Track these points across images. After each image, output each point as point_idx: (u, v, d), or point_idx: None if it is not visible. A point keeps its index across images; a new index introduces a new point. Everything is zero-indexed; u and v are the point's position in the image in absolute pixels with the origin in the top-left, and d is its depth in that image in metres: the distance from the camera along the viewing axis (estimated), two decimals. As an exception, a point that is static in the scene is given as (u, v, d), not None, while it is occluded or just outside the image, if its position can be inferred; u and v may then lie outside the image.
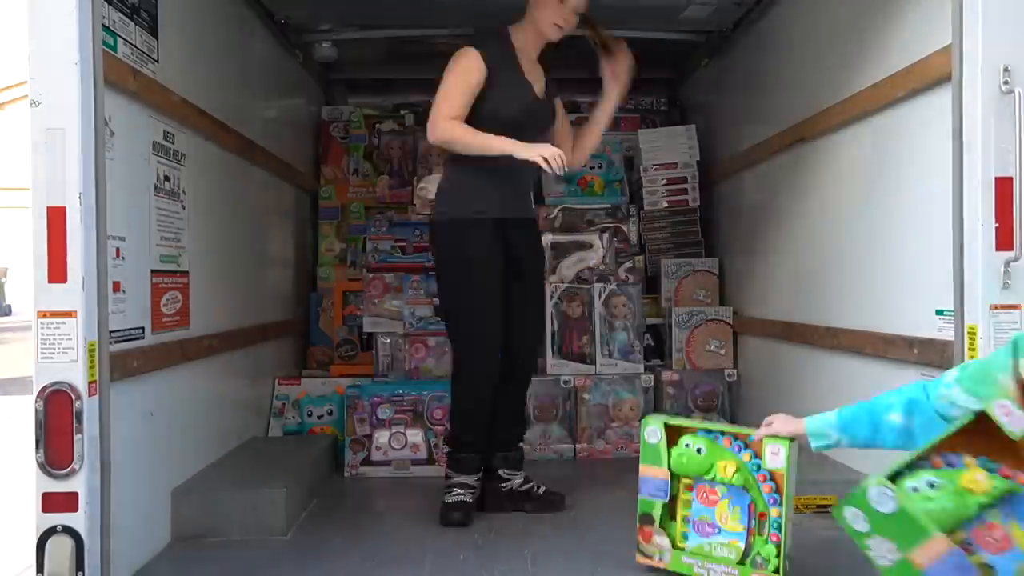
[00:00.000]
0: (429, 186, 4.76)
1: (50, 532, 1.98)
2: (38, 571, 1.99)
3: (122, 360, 2.31)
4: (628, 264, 4.54)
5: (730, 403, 4.14)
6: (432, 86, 5.81)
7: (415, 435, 3.76)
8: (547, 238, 4.55)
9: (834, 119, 3.08)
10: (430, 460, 3.74)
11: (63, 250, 1.99)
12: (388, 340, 4.26)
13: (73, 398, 1.98)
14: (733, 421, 4.10)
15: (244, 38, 3.72)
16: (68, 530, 1.98)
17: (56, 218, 1.99)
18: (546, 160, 2.79)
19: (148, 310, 2.58)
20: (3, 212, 20.57)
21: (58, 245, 1.99)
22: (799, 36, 3.53)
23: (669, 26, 4.32)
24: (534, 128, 3.04)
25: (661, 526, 2.39)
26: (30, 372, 2.01)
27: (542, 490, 3.12)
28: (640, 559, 2.43)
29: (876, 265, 2.83)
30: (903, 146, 2.65)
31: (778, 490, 2.25)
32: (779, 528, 2.24)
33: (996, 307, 2.06)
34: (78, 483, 1.99)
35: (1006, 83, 2.05)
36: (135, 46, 2.52)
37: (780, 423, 2.21)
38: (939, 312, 2.38)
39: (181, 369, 2.79)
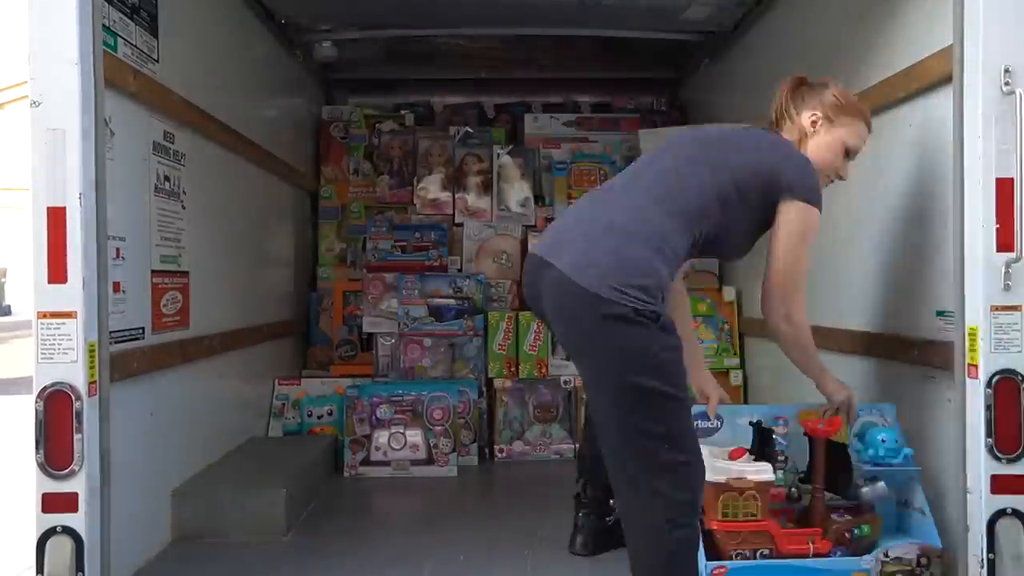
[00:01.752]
0: (429, 186, 4.77)
1: (50, 533, 1.98)
2: (38, 571, 1.99)
3: (122, 360, 2.31)
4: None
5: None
6: (432, 86, 5.79)
7: (415, 435, 3.76)
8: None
9: (834, 119, 3.07)
10: (429, 460, 3.74)
11: (63, 250, 1.99)
12: (388, 340, 4.26)
13: (73, 398, 1.98)
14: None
15: (244, 38, 3.72)
16: (68, 531, 1.97)
17: (56, 218, 1.99)
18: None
19: (148, 310, 2.58)
20: (3, 212, 20.56)
21: (58, 245, 1.99)
22: (799, 36, 3.52)
23: (669, 26, 4.32)
24: None
25: None
26: (30, 372, 2.01)
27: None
28: None
29: (876, 266, 2.83)
30: (904, 147, 2.65)
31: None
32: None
33: (997, 308, 2.06)
34: (78, 483, 1.98)
35: (1007, 84, 2.05)
36: (135, 46, 2.52)
37: None
38: (939, 313, 2.38)
39: (181, 369, 2.79)
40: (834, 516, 2.33)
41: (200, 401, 2.98)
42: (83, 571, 1.98)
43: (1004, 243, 2.05)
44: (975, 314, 2.08)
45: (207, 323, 3.03)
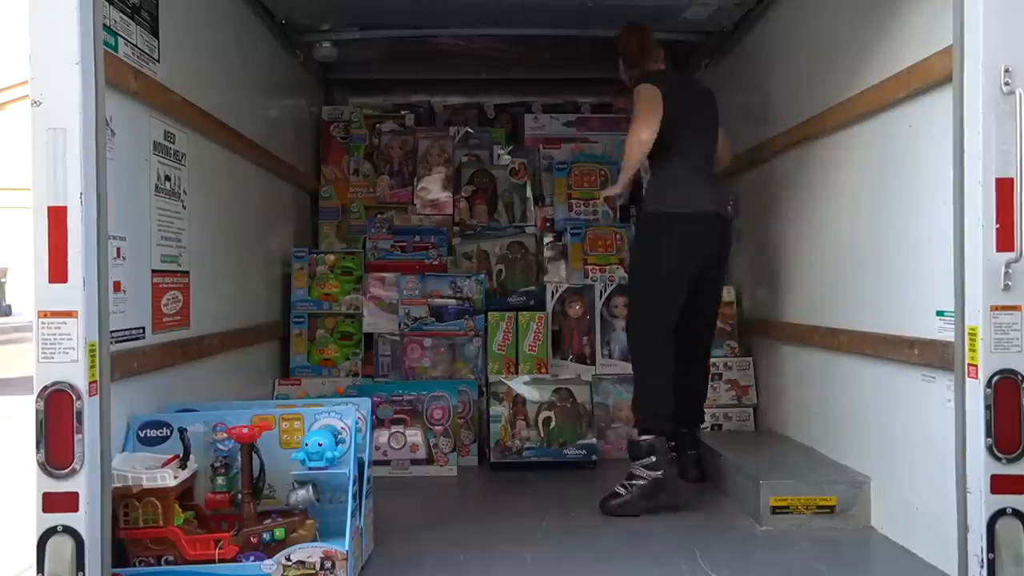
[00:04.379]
0: (429, 186, 4.77)
1: (51, 532, 1.98)
2: (38, 571, 1.99)
3: (122, 360, 2.31)
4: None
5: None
6: (432, 86, 5.81)
7: (414, 435, 3.76)
8: (548, 239, 4.59)
9: (835, 120, 3.07)
10: (429, 460, 3.74)
11: (63, 250, 1.99)
12: (388, 340, 4.26)
13: (73, 398, 1.98)
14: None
15: (244, 38, 3.72)
16: (68, 530, 1.97)
17: (57, 218, 1.99)
18: None
19: (148, 310, 2.58)
20: (3, 212, 20.56)
21: (59, 245, 1.99)
22: (800, 37, 3.53)
23: (670, 26, 4.32)
24: None
25: None
26: (30, 372, 2.01)
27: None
28: None
29: (877, 266, 2.83)
30: (904, 147, 2.65)
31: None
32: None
33: (996, 308, 2.06)
34: (79, 483, 1.98)
35: (1007, 84, 2.05)
36: (136, 46, 2.52)
37: None
38: (940, 313, 2.38)
39: (181, 369, 2.79)
40: (267, 521, 2.36)
41: (200, 401, 2.98)
42: (83, 571, 1.98)
43: (1004, 243, 2.05)
44: (975, 314, 2.08)
45: (207, 323, 3.03)
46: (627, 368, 4.12)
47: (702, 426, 3.62)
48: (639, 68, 3.50)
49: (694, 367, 3.48)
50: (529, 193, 4.77)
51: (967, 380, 2.10)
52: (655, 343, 3.26)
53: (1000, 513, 2.05)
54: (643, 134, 3.22)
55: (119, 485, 2.18)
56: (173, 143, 2.77)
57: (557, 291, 4.25)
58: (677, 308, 3.26)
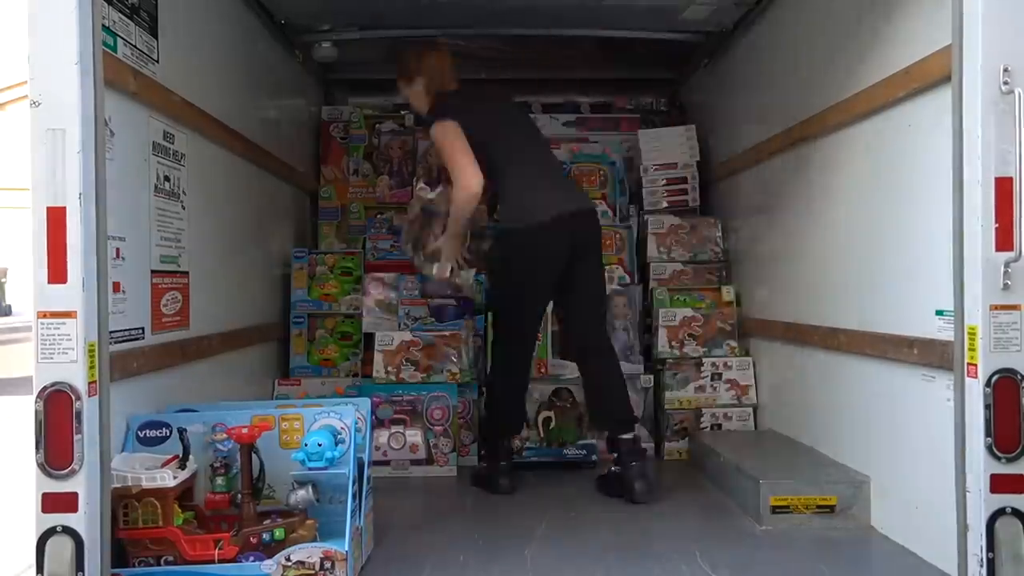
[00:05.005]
0: (429, 186, 4.76)
1: (50, 533, 1.98)
2: (38, 571, 1.99)
3: (122, 360, 2.31)
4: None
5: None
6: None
7: (414, 435, 3.76)
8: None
9: (834, 119, 3.08)
10: (429, 460, 3.74)
11: (63, 250, 1.99)
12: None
13: (73, 398, 1.98)
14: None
15: (244, 38, 3.72)
16: (68, 531, 1.98)
17: (56, 218, 1.99)
18: None
19: (148, 310, 2.58)
20: (3, 212, 20.57)
21: (58, 245, 1.99)
22: (799, 36, 3.53)
23: (669, 26, 4.32)
24: None
25: None
26: (30, 372, 2.01)
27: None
28: None
29: (876, 265, 2.83)
30: (903, 146, 2.65)
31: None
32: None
33: (996, 307, 2.06)
34: (78, 483, 1.99)
35: (1006, 83, 2.05)
36: (135, 46, 2.52)
37: None
38: (939, 312, 2.38)
39: (181, 369, 2.79)
40: (267, 521, 2.36)
41: (200, 401, 2.98)
42: (83, 571, 1.98)
43: (1003, 242, 2.05)
44: (974, 313, 2.08)
45: (207, 323, 3.03)
46: (627, 368, 4.13)
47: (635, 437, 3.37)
48: (430, 94, 3.49)
49: (605, 366, 3.44)
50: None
51: (967, 380, 2.10)
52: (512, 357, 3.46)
53: (1000, 512, 2.05)
54: (470, 184, 3.22)
55: (118, 485, 2.18)
56: (172, 143, 2.77)
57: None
58: (532, 321, 3.44)
